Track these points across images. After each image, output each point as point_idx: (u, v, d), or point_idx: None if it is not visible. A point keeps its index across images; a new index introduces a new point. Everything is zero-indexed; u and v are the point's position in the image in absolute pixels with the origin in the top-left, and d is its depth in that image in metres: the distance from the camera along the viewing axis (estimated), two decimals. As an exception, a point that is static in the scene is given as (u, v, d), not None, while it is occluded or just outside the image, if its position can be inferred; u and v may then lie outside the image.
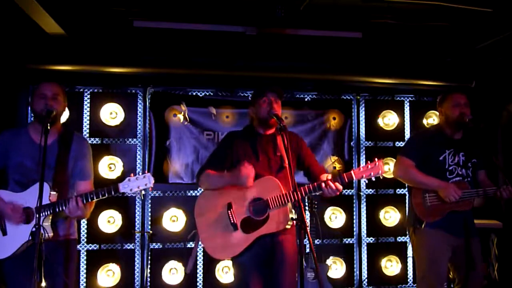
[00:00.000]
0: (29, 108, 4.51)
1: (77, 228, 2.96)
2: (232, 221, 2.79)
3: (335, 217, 5.01)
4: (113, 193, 2.63)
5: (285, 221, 2.78)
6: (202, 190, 2.99)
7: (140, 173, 2.69)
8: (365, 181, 5.02)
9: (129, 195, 2.67)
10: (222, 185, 2.84)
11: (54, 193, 2.67)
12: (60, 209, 2.64)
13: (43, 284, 2.64)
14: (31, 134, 2.78)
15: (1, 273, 2.73)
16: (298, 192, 2.58)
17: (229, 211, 2.80)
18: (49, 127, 2.67)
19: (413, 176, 3.27)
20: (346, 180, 2.75)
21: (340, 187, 2.73)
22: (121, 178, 4.43)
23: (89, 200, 2.66)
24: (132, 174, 2.65)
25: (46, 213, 2.62)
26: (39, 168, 2.60)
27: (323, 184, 2.71)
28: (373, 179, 2.78)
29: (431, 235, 3.21)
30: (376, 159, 2.79)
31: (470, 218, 3.28)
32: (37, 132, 2.70)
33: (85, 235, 4.48)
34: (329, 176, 2.76)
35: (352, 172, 2.77)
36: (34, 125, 2.80)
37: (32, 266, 2.29)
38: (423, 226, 3.23)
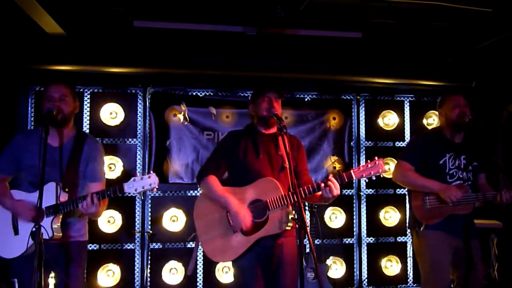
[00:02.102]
0: (29, 108, 4.52)
1: (86, 230, 2.97)
2: (231, 224, 2.78)
3: (335, 217, 5.01)
4: (118, 192, 2.64)
5: (285, 222, 2.75)
6: (201, 192, 2.98)
7: (141, 173, 2.70)
8: (365, 180, 5.01)
9: (134, 194, 2.68)
10: (218, 203, 2.81)
11: (65, 193, 2.68)
12: (68, 209, 2.65)
13: (51, 283, 2.67)
14: (43, 135, 2.78)
15: (9, 273, 2.75)
16: (298, 192, 2.57)
17: (228, 214, 2.80)
18: (55, 127, 2.70)
19: (413, 180, 3.27)
20: (346, 180, 2.72)
21: (337, 184, 2.69)
22: (121, 178, 4.46)
23: (101, 198, 2.65)
24: (137, 174, 2.65)
25: (55, 214, 2.64)
26: (50, 169, 2.64)
27: (322, 185, 2.69)
28: (374, 178, 2.76)
29: (431, 236, 3.21)
30: (376, 158, 2.77)
31: (470, 221, 3.28)
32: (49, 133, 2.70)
33: (85, 235, 4.48)
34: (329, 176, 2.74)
35: (351, 171, 2.74)
36: None
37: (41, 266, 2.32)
38: (421, 228, 3.23)
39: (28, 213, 2.65)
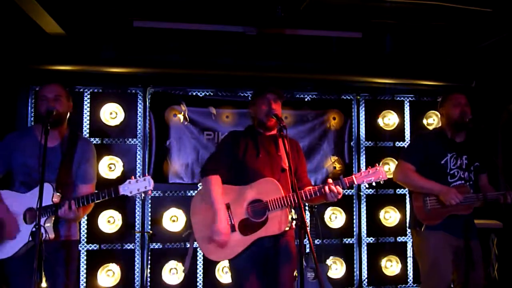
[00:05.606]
0: (29, 108, 4.52)
1: (78, 229, 2.97)
2: (230, 222, 2.77)
3: (335, 217, 5.01)
4: (113, 195, 2.64)
5: (284, 223, 2.75)
6: (199, 190, 2.98)
7: (140, 174, 2.70)
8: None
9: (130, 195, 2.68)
10: (210, 204, 2.79)
11: (58, 194, 2.68)
12: (49, 214, 2.63)
13: (44, 284, 2.66)
14: (37, 135, 2.78)
15: (4, 273, 2.74)
16: (299, 194, 2.57)
17: (228, 210, 2.78)
18: (49, 128, 2.68)
19: (414, 181, 3.26)
20: (347, 184, 2.74)
21: (341, 190, 2.72)
22: (121, 178, 4.46)
23: (85, 203, 2.65)
24: (132, 177, 2.66)
25: (47, 214, 2.63)
26: (44, 169, 2.61)
27: (326, 188, 2.69)
28: (374, 184, 2.77)
29: (432, 237, 3.21)
30: (376, 165, 2.79)
31: (471, 221, 3.27)
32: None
33: (85, 235, 4.48)
34: (330, 181, 2.73)
35: (353, 176, 2.76)
36: (39, 126, 2.79)
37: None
38: (422, 228, 3.23)
39: (9, 227, 2.65)
